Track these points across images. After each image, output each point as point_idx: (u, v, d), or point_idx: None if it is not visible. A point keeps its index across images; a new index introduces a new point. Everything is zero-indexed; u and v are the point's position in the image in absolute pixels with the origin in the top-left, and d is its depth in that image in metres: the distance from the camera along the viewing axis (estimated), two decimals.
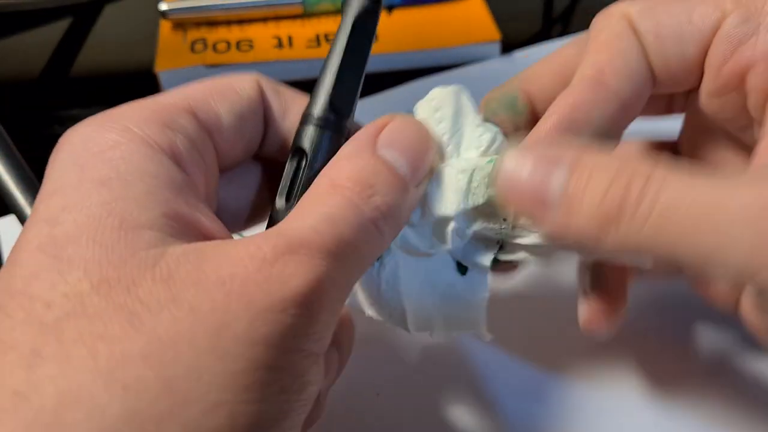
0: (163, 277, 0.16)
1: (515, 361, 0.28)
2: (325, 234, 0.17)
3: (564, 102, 0.22)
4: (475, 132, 0.23)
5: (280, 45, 0.44)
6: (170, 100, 0.20)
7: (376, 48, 0.43)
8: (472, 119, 0.23)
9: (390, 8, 0.47)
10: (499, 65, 0.43)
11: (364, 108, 0.39)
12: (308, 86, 0.45)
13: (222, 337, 0.15)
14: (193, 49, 0.44)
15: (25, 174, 0.36)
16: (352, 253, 0.18)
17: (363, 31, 0.22)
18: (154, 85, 0.42)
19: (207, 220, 0.19)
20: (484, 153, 0.22)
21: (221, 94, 0.21)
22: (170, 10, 0.45)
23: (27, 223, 0.17)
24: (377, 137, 0.20)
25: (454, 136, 0.23)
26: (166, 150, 0.19)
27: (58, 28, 0.48)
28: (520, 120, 0.25)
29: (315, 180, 0.19)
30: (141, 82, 0.43)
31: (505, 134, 0.23)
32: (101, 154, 0.18)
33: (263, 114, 0.22)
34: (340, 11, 0.47)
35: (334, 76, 0.22)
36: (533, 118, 0.24)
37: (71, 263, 0.16)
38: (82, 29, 0.48)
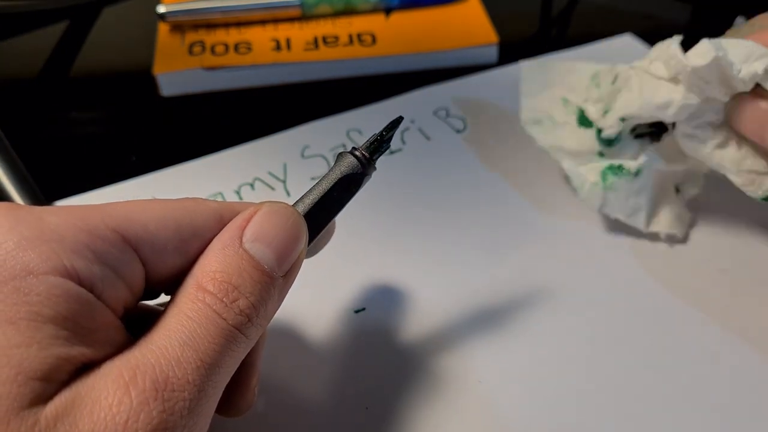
0: None
1: (507, 372, 0.28)
2: (188, 366, 0.18)
3: None
4: None
5: (278, 47, 0.44)
6: (114, 223, 0.19)
7: (374, 50, 0.44)
8: None
9: (388, 11, 0.47)
10: (499, 74, 0.43)
11: (365, 115, 0.40)
12: (306, 89, 0.46)
13: None
14: (191, 52, 0.44)
15: (23, 176, 0.36)
16: (215, 370, 0.19)
17: (345, 188, 0.23)
18: (152, 87, 0.42)
19: (104, 348, 0.18)
20: None
21: (175, 228, 0.20)
22: (168, 12, 0.45)
23: None
24: (244, 230, 0.21)
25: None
26: (87, 284, 0.18)
27: (56, 31, 0.48)
28: None
29: (187, 276, 0.20)
30: (139, 85, 0.43)
31: None
32: (19, 280, 0.17)
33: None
34: (338, 14, 0.47)
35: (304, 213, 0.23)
36: None
37: None
38: (80, 31, 0.48)
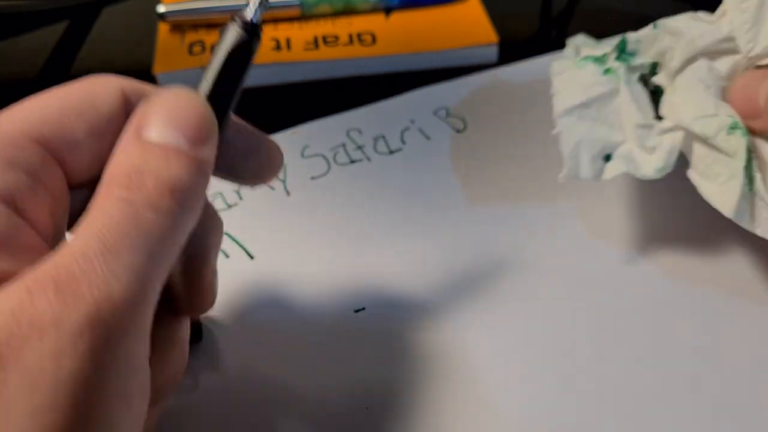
0: None
1: (509, 370, 0.28)
2: (93, 255, 0.17)
3: None
4: None
5: (278, 47, 0.44)
6: (18, 127, 0.19)
7: (374, 50, 0.44)
8: None
9: (387, 11, 0.47)
10: (499, 73, 0.43)
11: (365, 115, 0.40)
12: (306, 89, 0.46)
13: None
14: (191, 51, 0.44)
15: None
16: (126, 254, 0.17)
17: (236, 64, 0.22)
18: None
19: (25, 262, 0.17)
20: None
21: (78, 112, 0.20)
22: (168, 12, 0.45)
23: None
24: (145, 120, 0.20)
25: (753, 28, 0.27)
26: (5, 196, 0.18)
27: (56, 31, 0.48)
28: None
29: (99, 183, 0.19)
30: None
31: None
32: None
33: (124, 126, 0.21)
34: (337, 14, 0.47)
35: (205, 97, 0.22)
36: None
37: None
38: (80, 31, 0.48)
